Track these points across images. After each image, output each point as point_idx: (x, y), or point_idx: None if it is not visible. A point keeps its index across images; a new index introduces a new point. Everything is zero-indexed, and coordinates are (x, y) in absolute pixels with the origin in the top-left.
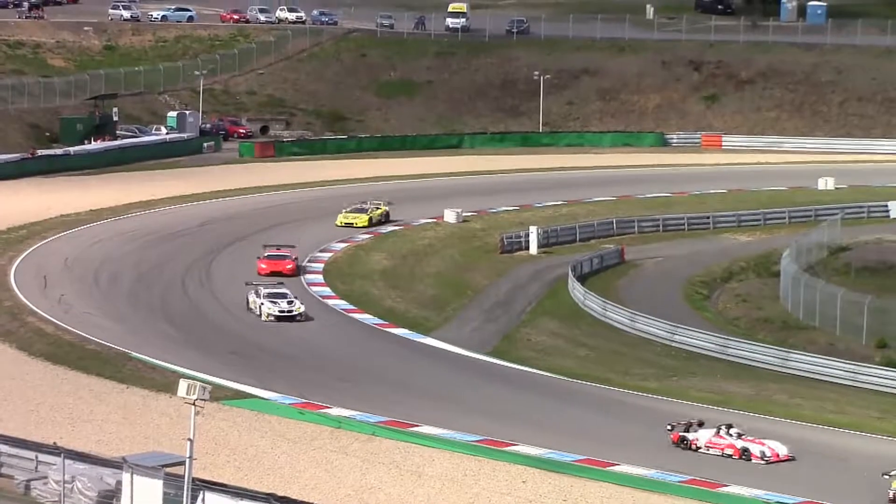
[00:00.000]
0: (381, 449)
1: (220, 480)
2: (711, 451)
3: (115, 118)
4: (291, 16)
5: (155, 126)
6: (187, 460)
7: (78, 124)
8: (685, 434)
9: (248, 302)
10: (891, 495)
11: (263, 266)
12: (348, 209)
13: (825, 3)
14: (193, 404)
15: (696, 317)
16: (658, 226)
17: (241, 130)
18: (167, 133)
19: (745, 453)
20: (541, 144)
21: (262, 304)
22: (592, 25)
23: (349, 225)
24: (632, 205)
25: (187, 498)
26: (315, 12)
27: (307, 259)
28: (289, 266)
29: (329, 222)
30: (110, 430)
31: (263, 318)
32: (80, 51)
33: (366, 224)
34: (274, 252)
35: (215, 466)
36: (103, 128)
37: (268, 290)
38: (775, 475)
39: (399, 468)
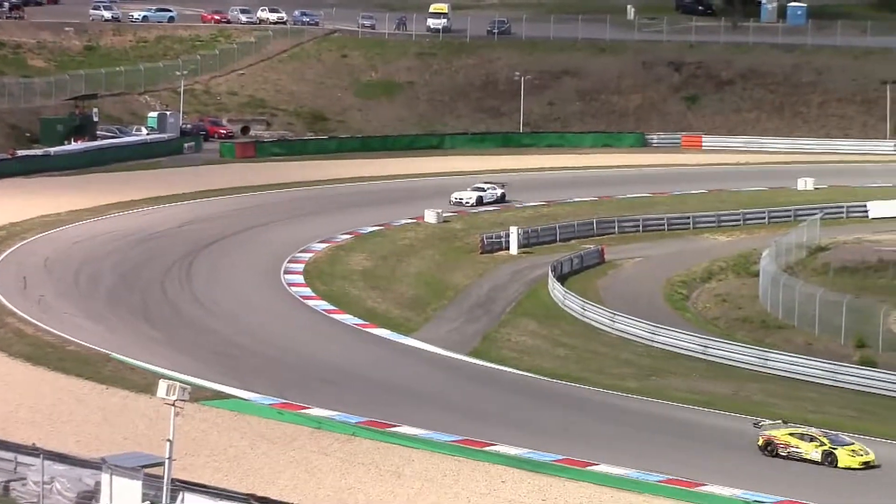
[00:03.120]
0: (360, 449)
1: (199, 481)
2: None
3: (96, 119)
4: (272, 16)
5: (135, 126)
6: (167, 461)
7: (58, 125)
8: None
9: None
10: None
11: None
12: None
13: (805, 5)
14: (173, 405)
15: (676, 317)
16: (638, 226)
17: (222, 131)
18: (148, 133)
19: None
20: (521, 145)
21: None
22: (573, 26)
23: None
24: (612, 205)
25: (166, 499)
26: (296, 13)
27: (288, 259)
28: None
29: (309, 223)
30: (90, 431)
31: None
32: (61, 51)
33: None
34: None
35: (195, 467)
36: (83, 128)
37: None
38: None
39: (379, 468)
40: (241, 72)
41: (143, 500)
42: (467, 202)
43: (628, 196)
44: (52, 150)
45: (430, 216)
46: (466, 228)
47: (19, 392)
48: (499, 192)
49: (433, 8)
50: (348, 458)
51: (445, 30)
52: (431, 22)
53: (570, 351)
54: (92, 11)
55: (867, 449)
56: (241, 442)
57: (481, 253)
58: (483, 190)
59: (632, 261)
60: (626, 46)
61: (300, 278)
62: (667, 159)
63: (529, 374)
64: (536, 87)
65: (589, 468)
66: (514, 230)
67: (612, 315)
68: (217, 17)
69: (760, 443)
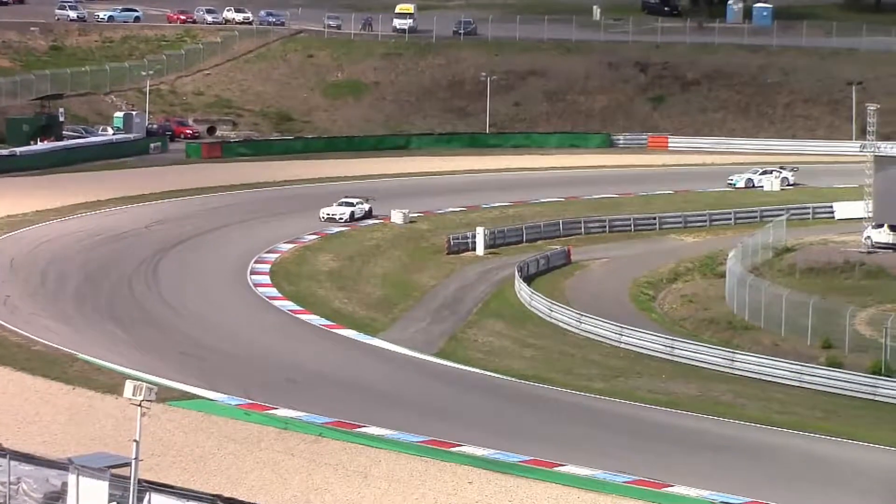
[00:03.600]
0: (327, 450)
1: (166, 482)
2: None
3: (62, 119)
4: (238, 16)
5: (101, 126)
6: (133, 461)
7: (24, 125)
8: None
9: None
10: None
11: None
12: None
13: (771, 5)
14: (139, 405)
15: (643, 317)
16: (605, 227)
17: (188, 131)
18: (114, 134)
19: None
20: (488, 145)
21: None
22: (539, 26)
23: None
24: (578, 206)
25: (133, 499)
26: (262, 13)
27: (254, 260)
28: None
29: (276, 223)
30: (56, 432)
31: None
32: (27, 51)
33: None
34: None
35: (161, 468)
36: (49, 128)
37: None
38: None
39: (345, 469)
40: (207, 72)
41: (110, 501)
42: (340, 218)
43: (595, 197)
44: (18, 150)
45: (397, 217)
46: (433, 229)
47: None
48: (367, 206)
49: (399, 8)
50: (315, 459)
51: (411, 30)
52: (397, 22)
53: (536, 352)
54: (57, 11)
55: None
56: (208, 442)
57: (448, 253)
58: (352, 204)
59: (598, 261)
60: (592, 47)
61: (266, 279)
62: (633, 160)
63: (496, 375)
64: (503, 88)
65: (556, 469)
66: (480, 231)
67: (578, 316)
68: (183, 17)
69: None
